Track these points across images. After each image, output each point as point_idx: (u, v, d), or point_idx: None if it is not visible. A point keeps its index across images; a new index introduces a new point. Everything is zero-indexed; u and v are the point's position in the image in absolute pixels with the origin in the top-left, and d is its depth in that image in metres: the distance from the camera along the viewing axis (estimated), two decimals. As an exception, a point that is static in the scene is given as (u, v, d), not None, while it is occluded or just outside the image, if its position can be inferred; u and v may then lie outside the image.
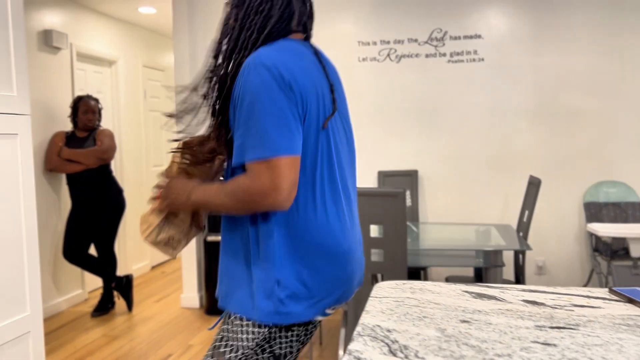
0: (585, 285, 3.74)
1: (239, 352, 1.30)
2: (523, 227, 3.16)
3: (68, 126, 4.33)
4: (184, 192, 1.36)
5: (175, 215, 1.47)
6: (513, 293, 1.35)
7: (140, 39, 5.42)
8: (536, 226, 3.92)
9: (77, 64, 4.53)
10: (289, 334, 1.33)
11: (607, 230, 3.21)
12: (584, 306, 1.21)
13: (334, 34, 4.13)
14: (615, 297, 1.28)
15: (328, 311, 1.33)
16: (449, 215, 4.05)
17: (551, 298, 1.29)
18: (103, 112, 4.85)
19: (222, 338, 1.33)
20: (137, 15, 4.88)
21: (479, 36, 3.92)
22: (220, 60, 1.33)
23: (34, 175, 1.79)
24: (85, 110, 4.00)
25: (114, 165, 4.95)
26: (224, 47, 1.33)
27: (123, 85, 5.09)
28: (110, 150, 4.03)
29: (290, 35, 1.34)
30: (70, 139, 4.05)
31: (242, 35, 1.30)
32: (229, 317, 1.34)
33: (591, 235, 3.59)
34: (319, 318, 1.34)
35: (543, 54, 3.86)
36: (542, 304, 1.24)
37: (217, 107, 1.33)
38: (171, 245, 1.49)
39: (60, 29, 4.29)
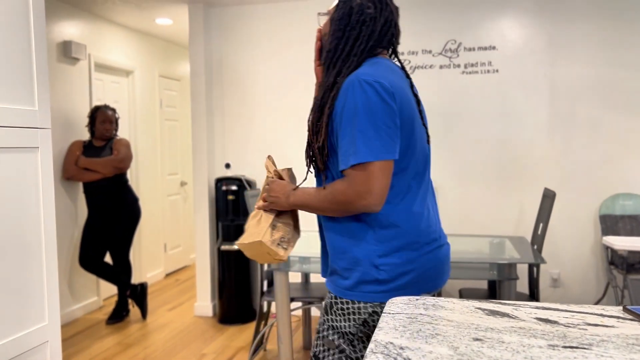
0: (600, 299, 3.70)
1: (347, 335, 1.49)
2: (537, 240, 3.14)
3: (86, 135, 4.40)
4: (283, 193, 1.52)
5: (280, 217, 1.59)
6: (526, 310, 1.34)
7: (157, 49, 5.49)
8: (552, 238, 3.90)
9: (95, 74, 4.60)
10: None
11: (622, 243, 3.18)
12: (597, 325, 1.20)
13: (348, 45, 4.15)
14: (630, 316, 1.28)
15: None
16: (463, 227, 4.03)
17: (565, 316, 1.29)
18: (120, 121, 4.93)
19: (328, 327, 1.51)
20: (154, 26, 4.96)
21: (494, 47, 3.92)
22: (329, 70, 1.47)
23: (54, 188, 1.83)
24: (102, 120, 4.06)
25: (130, 174, 5.02)
26: (330, 55, 1.47)
27: (139, 95, 5.16)
28: (127, 159, 4.09)
29: (379, 53, 1.49)
30: (88, 148, 4.12)
31: (348, 46, 1.44)
32: (332, 306, 1.51)
33: (607, 248, 3.56)
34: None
35: (558, 65, 3.85)
36: (555, 322, 1.24)
37: (320, 121, 1.44)
38: (282, 246, 1.57)
39: (79, 40, 4.37)
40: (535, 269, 3.12)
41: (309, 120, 1.50)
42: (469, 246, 3.28)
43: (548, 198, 3.10)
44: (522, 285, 3.86)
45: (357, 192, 1.36)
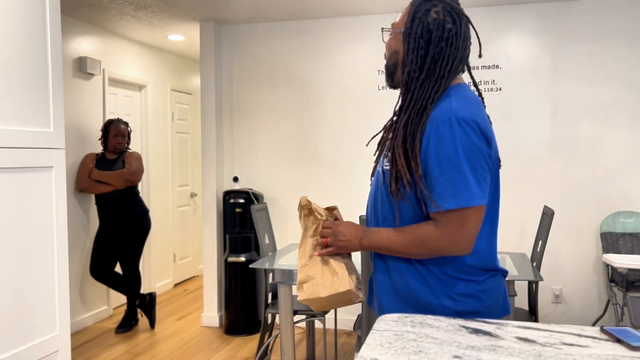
0: (601, 316, 3.73)
1: None
2: (537, 257, 3.19)
3: (99, 148, 4.52)
4: (355, 237, 1.46)
5: (344, 257, 1.53)
6: (508, 329, 1.41)
7: (169, 63, 5.64)
8: (554, 254, 3.94)
9: (109, 89, 4.74)
10: None
11: (622, 261, 3.22)
12: (572, 345, 1.27)
13: (354, 62, 4.26)
14: (605, 337, 1.34)
15: None
16: (465, 242, 4.09)
17: (543, 336, 1.36)
18: (132, 134, 5.06)
19: None
20: (166, 42, 5.10)
21: (497, 66, 4.00)
22: (414, 91, 1.39)
23: (66, 204, 1.93)
24: (115, 133, 4.19)
25: (141, 185, 5.14)
26: (415, 76, 1.39)
27: (152, 108, 5.30)
28: (138, 172, 4.21)
29: (458, 76, 1.44)
30: (100, 161, 4.24)
31: (435, 67, 1.38)
32: None
33: (607, 265, 3.60)
34: None
35: (560, 84, 3.91)
36: (533, 341, 1.31)
37: (414, 149, 1.36)
38: (358, 287, 1.52)
39: (94, 56, 4.51)
40: (534, 285, 3.17)
41: (393, 147, 1.41)
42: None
43: (547, 216, 3.16)
44: (523, 301, 3.91)
45: (451, 237, 1.33)
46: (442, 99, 1.38)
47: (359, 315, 3.22)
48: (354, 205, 4.29)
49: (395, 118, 1.49)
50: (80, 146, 4.35)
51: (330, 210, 1.58)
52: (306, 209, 1.57)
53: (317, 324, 4.27)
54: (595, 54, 3.85)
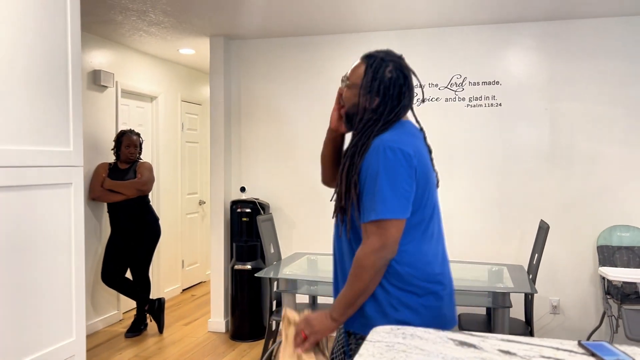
0: (597, 327, 3.82)
1: None
2: (533, 269, 3.29)
3: (111, 158, 4.67)
4: (324, 316, 1.62)
5: (316, 347, 1.69)
6: (492, 342, 1.53)
7: (180, 75, 5.79)
8: (552, 266, 4.04)
9: (122, 100, 4.90)
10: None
11: (616, 274, 3.31)
12: (549, 357, 1.38)
13: (359, 77, 4.38)
14: (582, 351, 1.45)
15: None
16: (465, 254, 4.19)
17: (524, 349, 1.47)
18: (143, 144, 5.21)
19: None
20: (178, 55, 5.25)
21: (497, 82, 4.11)
22: (363, 133, 1.63)
23: (84, 218, 2.07)
24: (127, 144, 4.33)
25: (152, 193, 5.28)
26: (366, 123, 1.63)
27: (162, 119, 5.45)
28: (149, 182, 4.35)
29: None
30: (113, 170, 4.39)
31: (376, 117, 1.62)
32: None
33: (603, 278, 3.69)
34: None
35: (559, 100, 4.02)
36: (514, 354, 1.42)
37: (352, 176, 1.62)
38: None
39: (108, 69, 4.67)
40: (530, 297, 3.27)
41: (341, 173, 1.65)
42: (469, 273, 3.44)
43: (542, 230, 3.26)
44: (520, 312, 4.00)
45: (374, 245, 1.54)
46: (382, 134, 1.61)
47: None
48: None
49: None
50: (93, 156, 4.50)
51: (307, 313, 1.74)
52: (286, 319, 1.73)
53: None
54: (593, 72, 3.95)
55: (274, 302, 3.74)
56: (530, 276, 3.31)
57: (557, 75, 4.02)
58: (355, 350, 1.67)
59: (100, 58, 4.58)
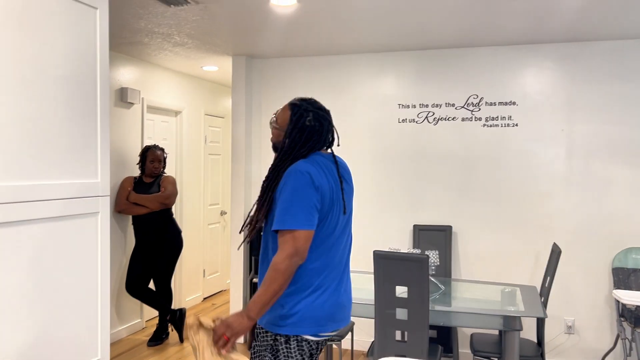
0: (611, 349, 3.83)
1: None
2: (545, 292, 3.33)
3: (137, 171, 4.85)
4: (240, 316, 1.85)
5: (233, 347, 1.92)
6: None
7: (203, 90, 5.95)
8: (567, 285, 4.06)
9: (147, 115, 5.08)
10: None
11: (630, 298, 3.33)
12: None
13: (376, 96, 4.47)
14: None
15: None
16: (480, 272, 4.24)
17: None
18: (167, 157, 5.38)
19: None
20: (201, 71, 5.41)
21: (514, 103, 4.15)
22: (283, 161, 1.99)
23: (109, 244, 2.20)
24: (152, 159, 4.50)
25: (175, 204, 5.45)
26: (286, 153, 1.99)
27: (186, 132, 5.62)
28: (172, 196, 4.51)
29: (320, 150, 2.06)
30: (138, 184, 4.56)
31: (294, 152, 1.99)
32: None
33: (617, 300, 3.70)
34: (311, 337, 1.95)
35: (575, 122, 4.04)
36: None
37: (268, 193, 1.96)
38: None
39: (134, 86, 4.85)
40: (541, 320, 3.30)
41: (262, 190, 1.98)
42: (481, 294, 3.50)
43: (555, 254, 3.30)
44: (533, 332, 4.03)
45: (287, 253, 1.81)
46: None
47: (372, 342, 3.42)
48: (364, 237, 4.49)
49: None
50: (119, 170, 4.68)
51: (213, 321, 1.93)
52: (195, 327, 1.92)
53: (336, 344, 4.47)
54: (611, 94, 3.97)
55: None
56: (542, 299, 3.34)
57: (575, 97, 4.04)
58: (274, 345, 1.94)
59: (127, 75, 4.76)
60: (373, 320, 3.29)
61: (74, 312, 2.10)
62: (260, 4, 3.23)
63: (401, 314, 3.01)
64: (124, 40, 4.18)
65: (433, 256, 3.51)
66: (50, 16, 1.96)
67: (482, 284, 3.72)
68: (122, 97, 4.69)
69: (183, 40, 4.13)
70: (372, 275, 3.85)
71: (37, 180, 1.88)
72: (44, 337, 1.92)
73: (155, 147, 4.55)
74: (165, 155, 4.61)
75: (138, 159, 4.85)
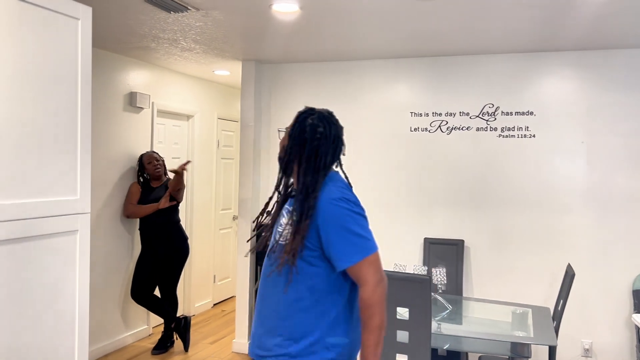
0: (630, 376, 3.61)
1: None
2: (557, 315, 3.15)
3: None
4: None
5: None
6: None
7: (216, 93, 5.89)
8: (585, 307, 3.85)
9: (158, 119, 5.03)
10: None
11: (650, 325, 3.11)
12: None
13: (389, 103, 4.33)
14: None
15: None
16: (492, 290, 4.06)
17: None
18: (178, 161, 5.33)
19: None
20: (213, 75, 5.34)
21: (531, 113, 3.96)
22: (301, 179, 1.80)
23: (89, 265, 2.12)
24: (148, 161, 4.47)
25: (185, 209, 5.40)
26: (292, 166, 1.83)
27: (198, 136, 5.56)
28: (181, 189, 4.42)
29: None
30: (145, 189, 4.51)
31: (312, 160, 1.80)
32: None
33: (637, 326, 3.48)
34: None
35: (596, 134, 3.83)
36: None
37: (303, 221, 1.73)
38: None
39: (144, 91, 4.80)
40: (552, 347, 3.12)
41: (292, 215, 1.76)
42: (491, 314, 3.33)
43: (568, 276, 3.11)
44: (545, 355, 3.83)
45: (375, 282, 1.68)
46: (323, 186, 1.77)
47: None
48: (386, 249, 4.35)
49: (278, 198, 1.90)
50: (128, 175, 4.64)
51: None
52: None
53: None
54: (634, 104, 3.74)
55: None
56: (555, 323, 3.16)
57: (596, 107, 3.83)
58: None
59: (137, 80, 4.72)
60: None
61: (49, 337, 2.03)
62: (262, 10, 3.13)
63: (402, 336, 2.87)
64: (132, 45, 4.13)
65: (440, 274, 3.35)
66: (31, 27, 1.89)
67: (493, 303, 3.55)
68: (131, 101, 4.65)
69: (190, 45, 4.06)
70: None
71: (7, 199, 1.81)
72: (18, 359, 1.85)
73: (147, 151, 4.54)
74: (161, 156, 4.57)
75: (136, 170, 4.74)
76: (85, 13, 2.11)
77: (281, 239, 1.77)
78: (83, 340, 2.12)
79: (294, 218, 1.74)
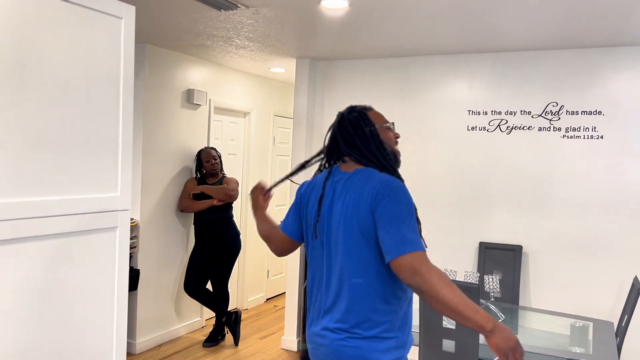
0: None
1: None
2: (621, 332, 2.91)
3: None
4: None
5: None
6: None
7: (273, 90, 5.91)
8: (654, 323, 3.55)
9: (215, 116, 5.11)
10: None
11: None
12: None
13: (444, 100, 4.17)
14: None
15: None
16: (552, 300, 3.82)
17: None
18: (234, 157, 5.39)
19: None
20: (269, 72, 5.36)
21: (599, 112, 3.69)
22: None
23: (128, 263, 2.15)
24: (207, 159, 4.53)
25: (240, 205, 5.46)
26: (349, 151, 1.83)
27: (254, 133, 5.61)
28: (236, 190, 4.50)
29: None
30: (201, 184, 4.60)
31: (364, 148, 1.80)
32: None
33: None
34: None
35: (674, 136, 3.51)
36: None
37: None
38: None
39: (202, 87, 4.89)
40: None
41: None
42: (549, 326, 3.14)
43: (635, 289, 2.87)
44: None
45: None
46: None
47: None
48: (439, 253, 4.20)
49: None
50: (186, 170, 4.74)
51: None
52: None
53: None
54: None
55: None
56: (618, 340, 2.92)
57: (674, 107, 3.51)
58: None
59: (194, 77, 4.81)
60: (417, 348, 2.98)
61: (86, 335, 2.08)
62: (310, 6, 3.08)
63: (448, 345, 2.75)
64: (188, 43, 4.20)
65: (493, 282, 3.19)
66: (71, 25, 1.94)
67: (551, 314, 3.34)
68: (189, 98, 4.74)
69: (244, 43, 4.07)
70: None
71: (46, 196, 1.86)
72: (55, 358, 1.90)
73: (206, 147, 4.60)
74: (219, 153, 4.62)
75: (194, 165, 4.85)
76: (129, 12, 2.13)
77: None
78: (121, 338, 2.16)
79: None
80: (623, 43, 3.57)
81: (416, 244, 1.56)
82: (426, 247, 1.63)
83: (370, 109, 1.88)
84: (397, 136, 1.89)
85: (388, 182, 1.67)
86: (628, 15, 2.99)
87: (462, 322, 1.49)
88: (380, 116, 1.87)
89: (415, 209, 1.67)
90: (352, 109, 1.86)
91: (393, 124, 1.90)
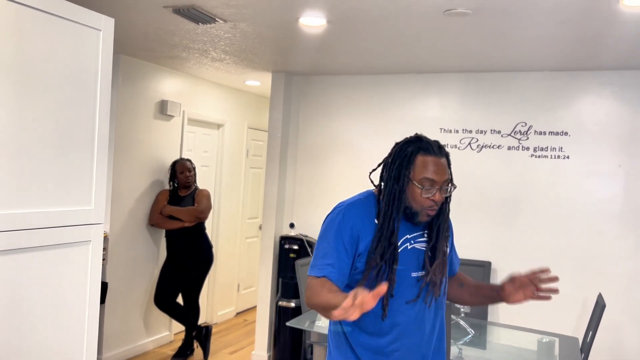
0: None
1: None
2: (585, 348, 2.99)
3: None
4: None
5: None
6: None
7: (247, 103, 5.91)
8: (619, 338, 3.65)
9: (188, 127, 5.07)
10: None
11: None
12: None
13: (418, 118, 4.24)
14: None
15: None
16: (520, 316, 3.90)
17: None
18: (206, 169, 5.36)
19: None
20: (244, 85, 5.37)
21: (566, 133, 3.81)
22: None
23: (100, 277, 2.12)
24: (181, 170, 4.49)
25: (212, 217, 5.42)
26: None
27: (228, 145, 5.59)
28: (207, 210, 4.47)
29: None
30: (172, 197, 4.55)
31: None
32: None
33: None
34: None
35: (636, 157, 3.65)
36: None
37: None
38: None
39: (175, 99, 4.85)
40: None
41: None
42: (516, 341, 3.20)
43: (599, 306, 2.96)
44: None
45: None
46: None
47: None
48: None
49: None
50: (156, 182, 4.68)
51: None
52: None
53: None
54: (679, 128, 3.55)
55: (311, 349, 3.68)
56: (583, 355, 3.00)
57: (636, 130, 3.65)
58: None
59: (169, 87, 4.77)
60: None
61: (57, 348, 2.03)
62: (289, 23, 3.11)
63: (419, 361, 2.77)
64: (163, 54, 4.18)
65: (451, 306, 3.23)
66: (50, 37, 1.92)
67: (519, 330, 3.41)
68: (162, 109, 4.70)
69: (220, 56, 4.08)
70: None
71: (17, 209, 1.82)
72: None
73: (182, 159, 4.57)
74: (193, 165, 4.59)
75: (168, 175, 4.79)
76: (108, 24, 2.12)
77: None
78: (91, 351, 2.11)
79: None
80: (589, 67, 3.71)
81: (310, 269, 1.71)
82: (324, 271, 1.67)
83: (427, 150, 1.67)
84: (435, 199, 1.65)
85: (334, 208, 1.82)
86: (594, 43, 3.11)
87: (332, 310, 1.44)
88: (426, 167, 1.65)
89: (348, 232, 1.71)
90: (407, 142, 1.74)
91: (448, 181, 1.66)
